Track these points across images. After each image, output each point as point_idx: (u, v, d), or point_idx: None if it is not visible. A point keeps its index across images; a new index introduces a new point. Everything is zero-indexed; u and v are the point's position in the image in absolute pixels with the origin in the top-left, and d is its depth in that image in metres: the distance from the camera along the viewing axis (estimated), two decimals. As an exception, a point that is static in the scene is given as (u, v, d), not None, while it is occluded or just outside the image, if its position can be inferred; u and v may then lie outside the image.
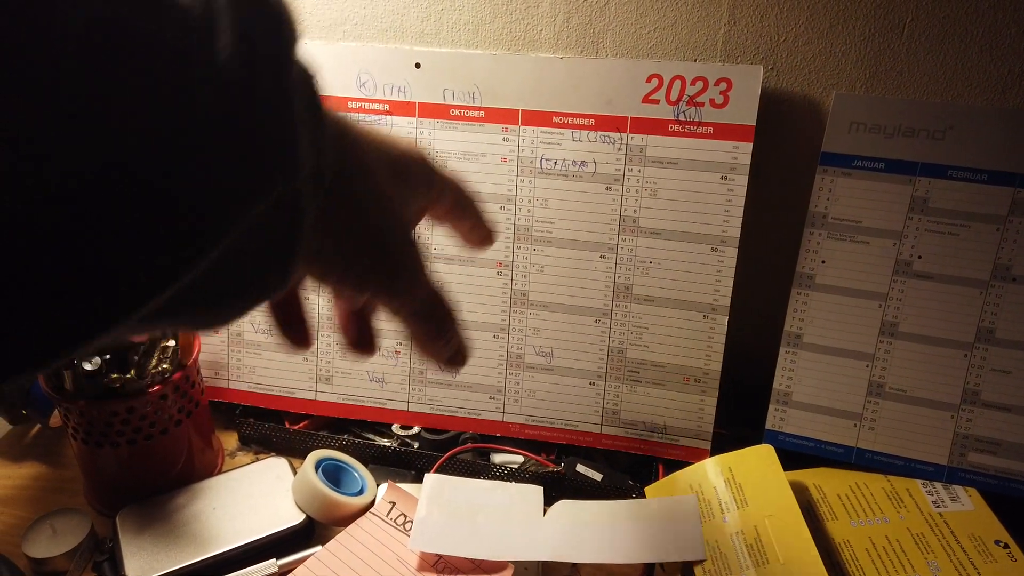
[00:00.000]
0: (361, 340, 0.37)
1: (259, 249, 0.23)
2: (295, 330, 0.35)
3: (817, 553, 0.48)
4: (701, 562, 0.51)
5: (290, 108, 0.22)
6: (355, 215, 0.29)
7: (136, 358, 0.55)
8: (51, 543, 0.54)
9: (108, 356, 0.54)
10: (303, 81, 0.25)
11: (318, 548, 0.54)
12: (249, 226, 0.22)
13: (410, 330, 0.36)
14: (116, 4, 0.19)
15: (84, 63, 0.18)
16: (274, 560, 0.53)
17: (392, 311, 0.34)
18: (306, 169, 0.23)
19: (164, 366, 0.56)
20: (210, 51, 0.20)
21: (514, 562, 0.52)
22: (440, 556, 0.52)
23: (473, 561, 0.52)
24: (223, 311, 0.24)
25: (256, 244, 0.23)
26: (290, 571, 0.52)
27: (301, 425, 0.67)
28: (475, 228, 0.43)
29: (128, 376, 0.54)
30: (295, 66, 0.23)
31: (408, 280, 0.33)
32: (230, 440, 0.67)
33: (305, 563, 0.53)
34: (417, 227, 0.36)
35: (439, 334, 0.36)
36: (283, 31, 0.23)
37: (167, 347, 0.56)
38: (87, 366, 0.53)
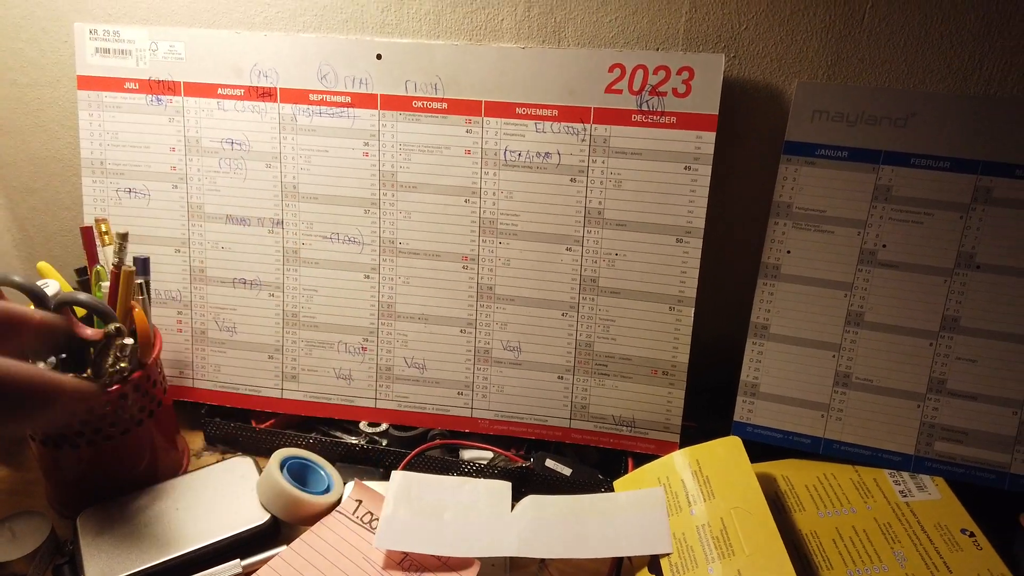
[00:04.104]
0: None
1: None
2: None
3: (782, 544, 0.48)
4: (668, 555, 0.51)
5: None
6: None
7: (92, 356, 0.54)
8: (10, 546, 0.53)
9: (64, 355, 0.53)
10: None
11: (283, 548, 0.53)
12: None
13: None
14: None
15: None
16: (238, 560, 0.53)
17: None
18: None
19: (122, 364, 0.54)
20: None
21: (481, 558, 0.51)
22: (406, 554, 0.52)
23: (439, 558, 0.51)
24: None
25: None
26: (254, 571, 0.52)
27: (267, 424, 0.66)
28: None
29: (84, 375, 0.53)
30: None
31: None
32: (196, 440, 0.66)
33: (269, 563, 0.52)
34: None
35: None
36: None
37: (124, 345, 0.55)
38: (41, 365, 0.52)
